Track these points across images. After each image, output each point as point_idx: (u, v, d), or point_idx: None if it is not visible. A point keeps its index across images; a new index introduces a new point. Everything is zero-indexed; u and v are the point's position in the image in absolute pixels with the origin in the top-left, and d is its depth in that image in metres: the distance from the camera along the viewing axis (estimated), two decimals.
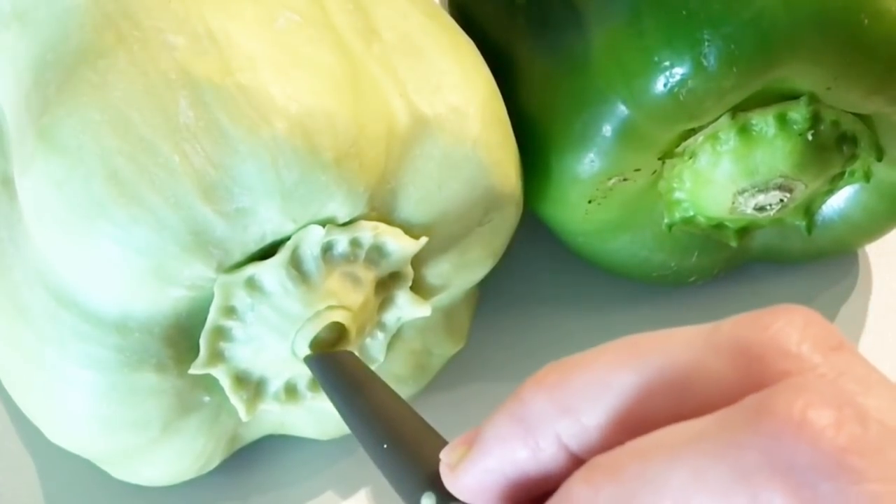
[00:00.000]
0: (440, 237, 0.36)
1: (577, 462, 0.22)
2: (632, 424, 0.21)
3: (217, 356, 0.34)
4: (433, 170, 0.35)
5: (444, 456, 0.24)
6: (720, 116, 0.37)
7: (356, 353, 0.34)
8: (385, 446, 0.27)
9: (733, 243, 0.42)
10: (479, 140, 0.35)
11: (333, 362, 0.33)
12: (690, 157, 0.38)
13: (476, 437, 0.23)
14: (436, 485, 0.24)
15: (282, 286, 0.33)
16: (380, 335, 0.37)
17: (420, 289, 0.37)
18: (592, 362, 0.22)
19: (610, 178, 0.38)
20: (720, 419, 0.19)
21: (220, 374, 0.34)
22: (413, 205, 0.35)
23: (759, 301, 0.45)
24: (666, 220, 0.40)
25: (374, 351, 0.37)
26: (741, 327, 0.20)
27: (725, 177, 0.38)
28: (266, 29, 0.32)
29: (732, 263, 0.44)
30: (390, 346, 0.37)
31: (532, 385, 0.22)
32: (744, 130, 0.37)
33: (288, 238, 0.33)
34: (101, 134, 0.31)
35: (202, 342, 0.34)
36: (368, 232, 0.34)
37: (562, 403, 0.22)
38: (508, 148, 0.37)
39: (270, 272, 0.33)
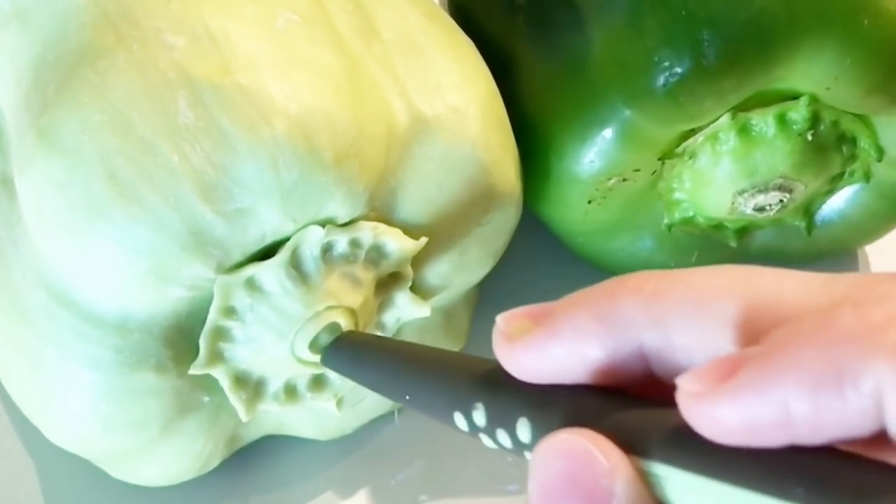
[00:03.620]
0: (440, 237, 0.36)
1: (647, 378, 0.21)
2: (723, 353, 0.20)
3: (217, 356, 0.34)
4: (433, 170, 0.35)
5: (503, 323, 0.23)
6: (720, 117, 0.37)
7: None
8: (407, 397, 0.26)
9: (733, 244, 0.42)
10: (479, 140, 0.35)
11: (341, 346, 0.32)
12: (690, 158, 0.38)
13: (547, 318, 0.22)
14: (483, 394, 0.23)
15: (281, 286, 0.33)
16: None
17: (420, 289, 0.37)
18: (699, 282, 0.21)
19: (609, 179, 0.38)
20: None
21: (220, 374, 0.34)
22: (413, 205, 0.35)
23: None
24: (665, 221, 0.40)
25: None
26: (857, 286, 0.20)
27: (725, 177, 0.38)
28: (266, 29, 0.32)
29: (732, 264, 0.44)
30: None
31: (628, 289, 0.21)
32: (744, 131, 0.37)
33: (288, 238, 0.33)
34: (100, 134, 0.31)
35: (202, 342, 0.34)
36: (368, 232, 0.34)
37: (657, 316, 0.21)
38: (508, 148, 0.37)
39: (270, 272, 0.33)
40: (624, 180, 0.38)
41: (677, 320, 0.21)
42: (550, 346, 0.22)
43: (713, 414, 0.19)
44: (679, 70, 0.35)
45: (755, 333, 0.20)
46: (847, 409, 0.18)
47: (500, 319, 0.23)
